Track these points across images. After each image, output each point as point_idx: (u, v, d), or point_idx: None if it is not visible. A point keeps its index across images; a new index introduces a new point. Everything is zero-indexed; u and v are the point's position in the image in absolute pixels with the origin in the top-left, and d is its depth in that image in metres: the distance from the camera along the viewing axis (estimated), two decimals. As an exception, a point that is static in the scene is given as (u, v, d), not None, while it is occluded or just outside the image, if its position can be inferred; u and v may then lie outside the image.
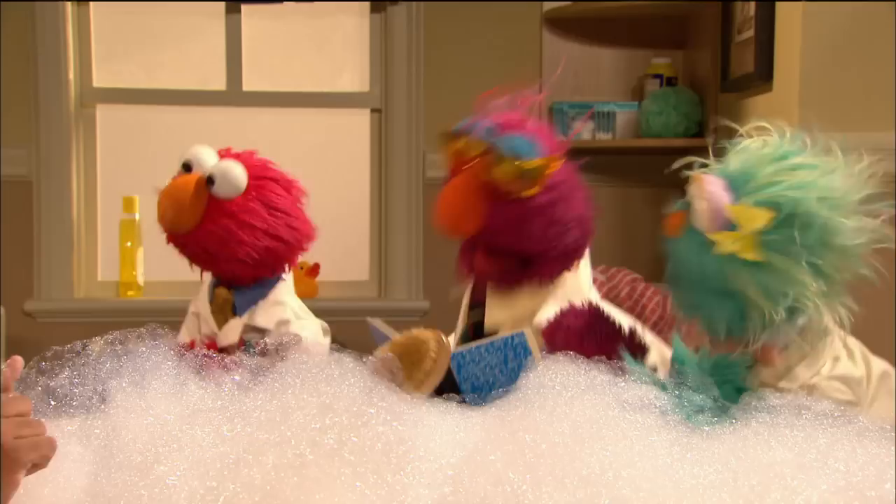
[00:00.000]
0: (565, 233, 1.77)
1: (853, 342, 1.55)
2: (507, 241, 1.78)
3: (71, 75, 3.58)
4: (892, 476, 0.89)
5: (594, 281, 2.96)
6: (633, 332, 1.56)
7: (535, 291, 1.78)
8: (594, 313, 1.65)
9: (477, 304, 1.89)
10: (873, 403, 1.44)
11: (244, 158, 2.01)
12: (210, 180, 1.90)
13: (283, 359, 1.54)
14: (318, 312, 2.14)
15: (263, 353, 1.56)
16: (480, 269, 1.82)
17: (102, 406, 1.22)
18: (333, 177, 3.79)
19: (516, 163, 1.72)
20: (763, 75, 2.79)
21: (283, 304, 1.98)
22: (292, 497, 0.88)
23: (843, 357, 1.46)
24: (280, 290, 2.00)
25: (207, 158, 1.95)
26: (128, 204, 3.53)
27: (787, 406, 1.02)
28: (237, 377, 1.13)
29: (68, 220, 3.57)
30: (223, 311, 1.94)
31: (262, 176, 1.99)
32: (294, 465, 0.91)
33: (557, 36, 3.64)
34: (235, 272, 1.92)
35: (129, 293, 3.54)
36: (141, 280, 3.55)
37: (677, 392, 1.05)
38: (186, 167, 1.94)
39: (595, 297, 1.88)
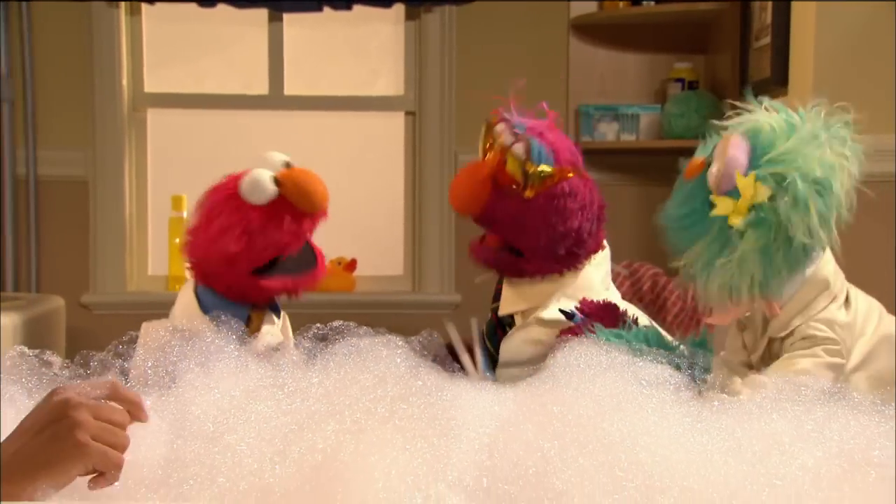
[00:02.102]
0: (557, 240, 1.82)
1: (866, 299, 1.62)
2: (501, 231, 1.86)
3: (124, 81, 3.67)
4: (880, 444, 0.97)
5: (617, 276, 3.04)
6: None
7: (545, 284, 1.85)
8: (620, 319, 1.71)
9: (495, 296, 1.97)
10: (872, 361, 1.52)
11: None
12: None
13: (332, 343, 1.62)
14: (355, 305, 2.21)
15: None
16: (478, 256, 1.91)
17: (173, 385, 1.31)
18: (370, 177, 3.86)
19: (525, 165, 1.81)
20: (779, 81, 2.84)
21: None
22: (350, 458, 0.97)
23: (835, 307, 1.54)
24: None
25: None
26: (176, 202, 3.62)
27: (789, 384, 1.11)
28: (295, 357, 1.24)
29: (121, 219, 3.66)
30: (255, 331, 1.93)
31: None
32: (351, 430, 1.00)
33: (584, 41, 3.70)
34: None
35: (178, 287, 3.61)
36: (188, 274, 3.65)
37: (690, 371, 1.14)
38: (287, 165, 1.93)
39: (614, 295, 1.93)
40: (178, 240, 3.60)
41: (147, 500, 1.06)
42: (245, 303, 1.86)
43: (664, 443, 1.00)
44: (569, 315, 1.69)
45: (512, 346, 1.85)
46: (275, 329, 1.88)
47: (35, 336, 2.81)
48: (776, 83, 2.86)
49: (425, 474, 0.97)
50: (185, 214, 3.58)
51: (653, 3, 3.55)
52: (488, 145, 1.88)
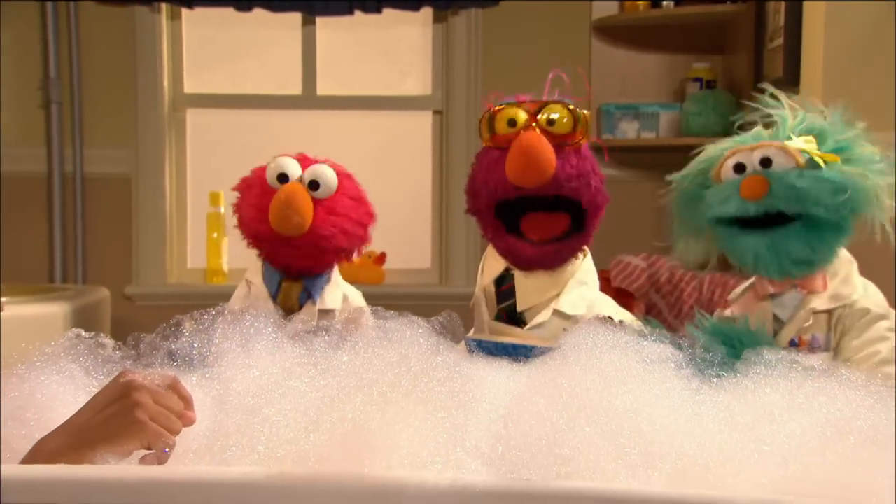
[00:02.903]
0: (602, 181, 1.87)
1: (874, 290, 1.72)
2: (570, 187, 1.83)
3: (165, 83, 3.74)
4: (864, 414, 1.04)
5: (636, 268, 3.10)
6: None
7: (558, 277, 1.90)
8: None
9: (506, 295, 1.95)
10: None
11: (323, 161, 2.15)
12: (313, 185, 2.02)
13: (357, 329, 1.71)
14: (385, 297, 2.25)
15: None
16: (537, 251, 1.87)
17: (216, 364, 1.39)
18: (398, 173, 3.92)
19: (573, 111, 1.86)
20: (791, 80, 2.87)
21: (339, 284, 2.12)
22: (376, 427, 1.04)
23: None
24: (336, 273, 2.14)
25: (295, 168, 2.07)
26: (214, 198, 3.69)
27: (782, 361, 1.17)
28: (327, 337, 1.31)
29: (162, 214, 3.74)
30: (289, 303, 2.06)
31: (340, 173, 2.13)
32: (378, 402, 1.07)
33: (605, 42, 3.74)
34: (331, 262, 2.04)
35: (215, 279, 3.72)
36: (225, 267, 3.71)
37: (691, 351, 1.21)
38: (283, 178, 2.05)
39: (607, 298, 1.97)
40: (215, 234, 3.68)
41: (194, 465, 1.14)
42: (277, 270, 2.00)
43: (664, 413, 1.07)
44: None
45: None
46: (307, 315, 1.98)
47: (83, 324, 2.85)
48: (788, 83, 2.88)
49: (445, 442, 1.05)
50: (222, 210, 3.65)
51: (672, 4, 3.58)
52: (503, 122, 1.91)
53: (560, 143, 1.83)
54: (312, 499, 1.03)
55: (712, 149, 1.78)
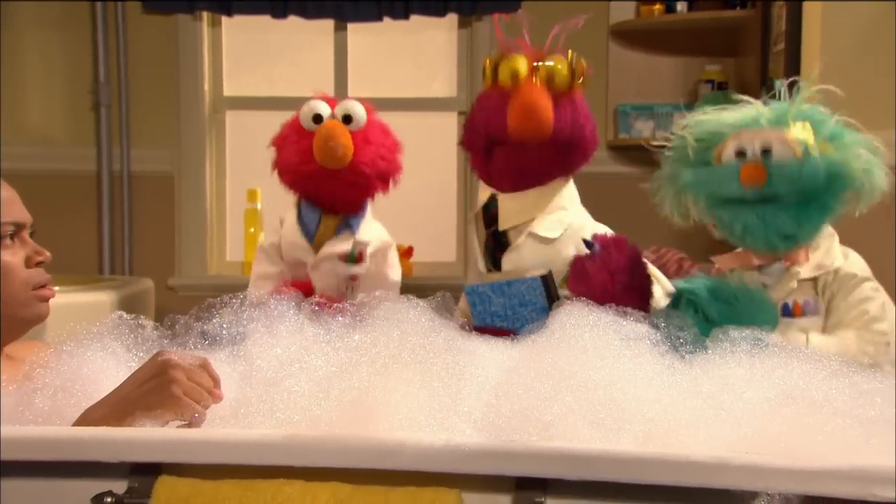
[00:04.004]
0: (595, 126, 1.97)
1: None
2: (565, 137, 1.92)
3: (206, 86, 3.78)
4: (815, 385, 1.13)
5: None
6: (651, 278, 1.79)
7: (540, 194, 1.96)
8: (636, 258, 1.82)
9: (492, 220, 2.04)
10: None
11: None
12: (346, 119, 2.11)
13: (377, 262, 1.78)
14: (413, 288, 2.30)
15: (361, 259, 1.78)
16: (522, 165, 1.95)
17: (243, 342, 1.49)
18: (426, 171, 3.88)
19: (571, 62, 1.93)
20: (791, 81, 2.91)
21: (373, 221, 2.22)
22: (379, 395, 1.14)
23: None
24: (369, 210, 2.24)
25: (326, 107, 2.16)
26: (251, 195, 3.69)
27: (747, 338, 1.26)
28: (340, 318, 1.41)
29: (203, 210, 3.78)
30: (326, 237, 2.16)
31: (366, 107, 2.23)
32: (381, 372, 1.17)
33: (622, 45, 3.76)
34: (373, 191, 2.13)
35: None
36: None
37: (666, 329, 1.30)
38: (318, 118, 2.14)
39: (590, 219, 2.02)
40: (252, 229, 3.68)
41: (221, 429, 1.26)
42: (316, 207, 2.12)
43: (636, 384, 1.17)
44: (589, 244, 1.81)
45: (512, 259, 1.96)
46: (341, 243, 2.08)
47: (129, 312, 2.99)
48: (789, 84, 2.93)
49: (440, 408, 1.15)
50: (258, 206, 3.67)
51: (686, 10, 3.61)
52: (506, 73, 1.97)
53: (558, 94, 1.91)
54: (323, 457, 1.13)
55: (716, 122, 1.82)
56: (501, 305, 1.83)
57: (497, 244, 2.02)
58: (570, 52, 1.90)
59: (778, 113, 1.75)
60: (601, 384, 1.16)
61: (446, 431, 1.12)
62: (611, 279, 1.69)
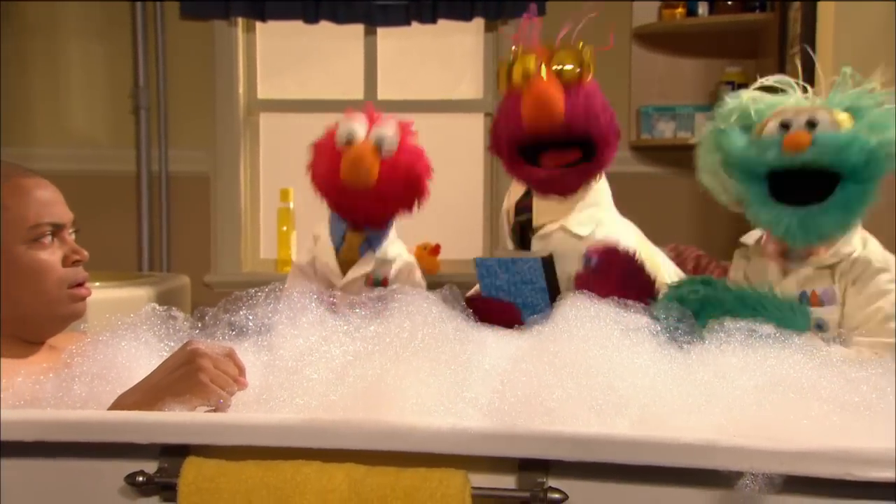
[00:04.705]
0: (613, 116, 1.97)
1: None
2: (580, 126, 1.92)
3: (240, 90, 3.85)
4: (804, 373, 1.17)
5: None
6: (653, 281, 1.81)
7: (572, 201, 1.97)
8: (633, 264, 1.84)
9: (523, 210, 2.07)
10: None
11: (386, 119, 2.27)
12: (379, 143, 2.16)
13: (401, 282, 1.83)
14: (440, 284, 2.29)
15: (386, 283, 1.84)
16: (550, 173, 1.95)
17: (267, 333, 1.55)
18: (453, 171, 3.82)
19: (580, 51, 1.96)
20: (807, 82, 2.91)
21: (396, 240, 2.26)
22: (391, 381, 1.19)
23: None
24: (393, 230, 2.28)
25: (362, 129, 2.21)
26: (284, 195, 3.74)
27: (742, 329, 1.30)
28: (359, 310, 1.47)
29: (237, 209, 3.85)
30: (351, 254, 2.20)
31: (404, 129, 2.27)
32: (393, 360, 1.22)
33: (645, 48, 3.79)
34: (394, 212, 2.17)
35: (285, 268, 3.69)
36: (294, 258, 3.77)
37: (666, 321, 1.34)
38: (349, 140, 2.19)
39: (621, 220, 2.03)
40: (285, 227, 3.73)
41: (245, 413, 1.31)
42: (343, 220, 2.14)
43: (634, 371, 1.21)
44: (587, 260, 1.84)
45: (540, 245, 1.99)
46: (365, 264, 2.12)
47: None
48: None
49: (448, 394, 1.20)
50: (291, 205, 3.72)
51: (707, 13, 3.62)
52: (518, 74, 1.99)
53: (570, 86, 1.94)
54: (338, 440, 1.18)
55: (753, 100, 1.78)
56: (506, 281, 1.87)
57: (524, 236, 2.06)
58: (580, 43, 1.94)
59: (822, 99, 1.73)
60: (601, 372, 1.20)
61: (454, 416, 1.17)
62: (616, 290, 1.72)
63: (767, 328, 1.29)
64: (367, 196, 2.11)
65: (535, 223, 2.03)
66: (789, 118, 1.68)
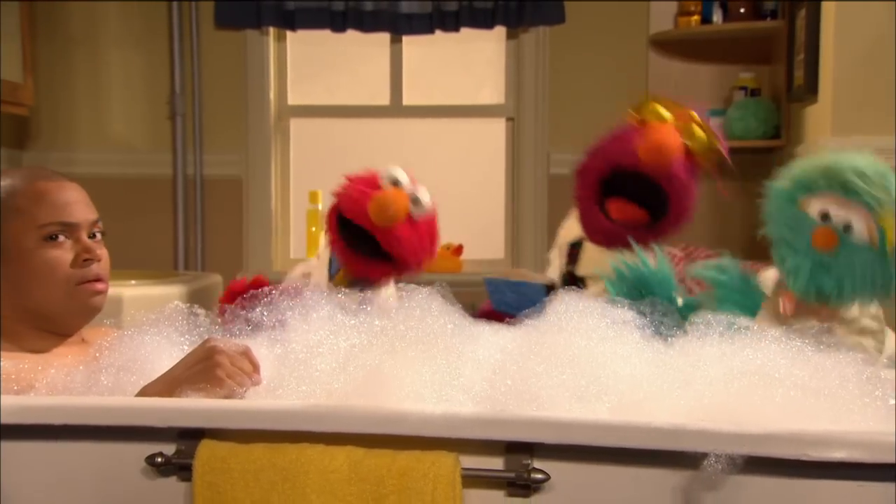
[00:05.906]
0: (694, 202, 1.99)
1: None
2: (671, 188, 1.93)
3: (272, 96, 3.90)
4: (775, 362, 1.21)
5: (674, 256, 3.22)
6: None
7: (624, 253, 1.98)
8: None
9: (574, 254, 2.09)
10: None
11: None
12: (415, 202, 2.17)
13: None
14: (462, 284, 2.28)
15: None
16: (623, 216, 1.96)
17: (282, 328, 1.61)
18: (475, 174, 3.99)
19: (711, 138, 1.99)
20: (811, 88, 2.94)
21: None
22: (390, 370, 1.25)
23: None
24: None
25: (406, 181, 2.22)
26: (313, 197, 3.77)
27: (721, 322, 1.35)
28: (367, 307, 1.52)
29: (268, 211, 3.89)
30: (342, 284, 2.22)
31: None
32: (390, 351, 1.28)
33: (661, 55, 3.81)
34: (396, 272, 2.18)
35: None
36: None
37: (651, 316, 1.39)
38: (395, 182, 2.20)
39: None
40: (314, 228, 3.77)
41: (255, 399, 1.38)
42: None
43: (618, 361, 1.26)
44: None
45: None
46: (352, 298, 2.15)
47: (200, 305, 3.12)
48: (809, 90, 2.96)
49: (441, 382, 1.26)
50: (320, 207, 3.74)
51: (721, 20, 3.64)
52: (653, 113, 1.99)
53: (686, 151, 1.96)
54: (339, 424, 1.24)
55: (813, 169, 1.66)
56: (514, 299, 1.94)
57: (572, 282, 2.08)
58: (709, 128, 1.97)
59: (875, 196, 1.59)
60: (586, 362, 1.26)
61: (446, 402, 1.23)
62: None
63: (745, 321, 1.33)
64: (376, 230, 2.10)
65: (579, 271, 2.05)
66: (830, 211, 1.61)
